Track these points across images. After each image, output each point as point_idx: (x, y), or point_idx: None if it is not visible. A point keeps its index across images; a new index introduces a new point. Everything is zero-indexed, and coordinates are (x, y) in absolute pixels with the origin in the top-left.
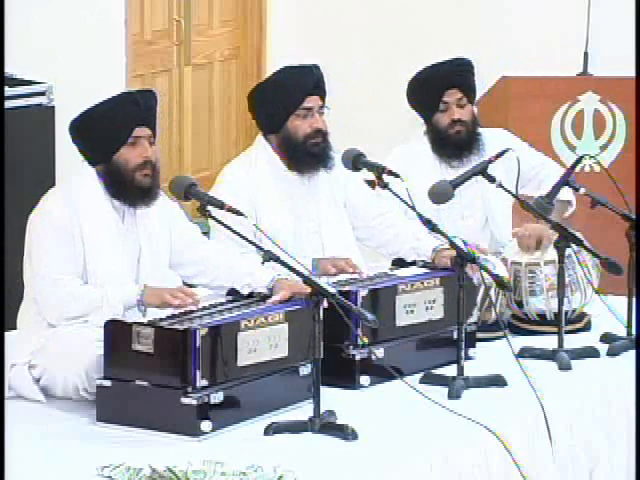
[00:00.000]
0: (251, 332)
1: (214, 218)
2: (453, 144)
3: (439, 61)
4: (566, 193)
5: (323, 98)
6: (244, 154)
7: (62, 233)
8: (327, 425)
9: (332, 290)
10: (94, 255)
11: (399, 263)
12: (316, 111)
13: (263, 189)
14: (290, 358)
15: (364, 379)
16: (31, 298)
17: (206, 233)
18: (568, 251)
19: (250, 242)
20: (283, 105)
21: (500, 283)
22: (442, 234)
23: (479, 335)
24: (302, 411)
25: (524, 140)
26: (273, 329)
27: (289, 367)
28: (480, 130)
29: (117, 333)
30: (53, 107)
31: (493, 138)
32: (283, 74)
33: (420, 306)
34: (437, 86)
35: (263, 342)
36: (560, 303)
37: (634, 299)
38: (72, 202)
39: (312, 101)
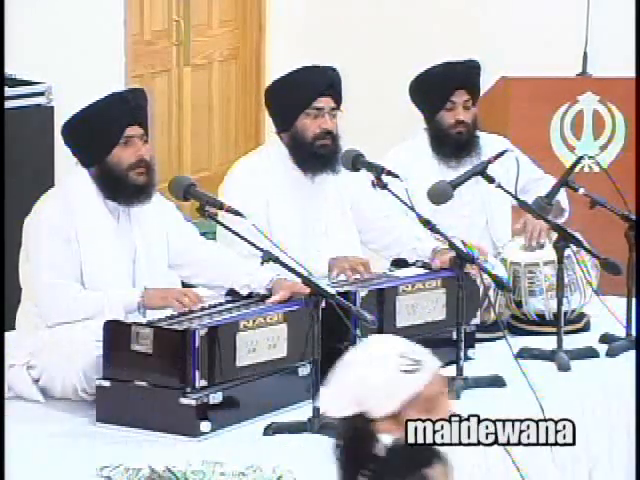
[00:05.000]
0: (250, 332)
1: (213, 218)
2: (453, 144)
3: (451, 60)
4: (564, 201)
5: (337, 101)
6: (257, 150)
7: (58, 237)
8: (326, 425)
9: (331, 290)
10: (90, 257)
11: (399, 263)
12: (327, 112)
13: (274, 187)
14: (289, 358)
15: None
16: (29, 299)
17: (204, 233)
18: (567, 251)
19: (250, 242)
20: (294, 103)
21: (499, 283)
22: (441, 234)
23: (478, 335)
24: (301, 411)
25: (524, 140)
26: (272, 329)
27: (288, 367)
28: (479, 133)
29: (116, 333)
30: (52, 107)
31: (493, 144)
32: (298, 72)
33: (421, 307)
34: (447, 85)
35: (262, 342)
36: (559, 303)
37: (633, 299)
38: (67, 205)
39: (324, 102)
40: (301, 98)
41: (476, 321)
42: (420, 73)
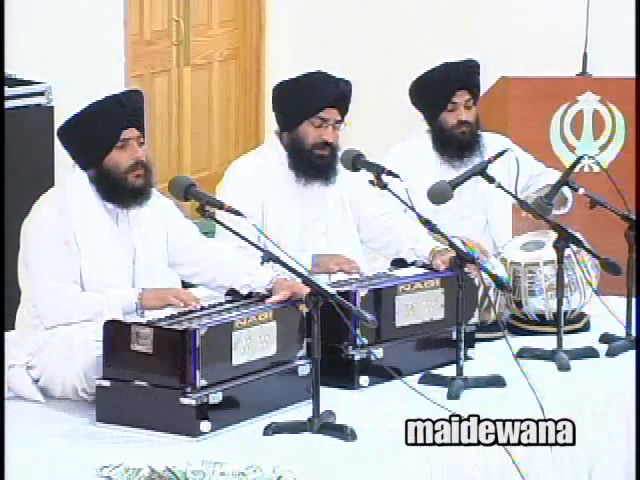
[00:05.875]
0: (244, 331)
1: (213, 218)
2: (457, 144)
3: (450, 61)
4: (567, 191)
5: (343, 113)
6: (256, 150)
7: (56, 240)
8: (326, 425)
9: (331, 290)
10: (89, 259)
11: (398, 263)
12: (331, 124)
13: (273, 187)
14: (278, 355)
15: (363, 379)
16: (28, 300)
17: (205, 233)
18: (567, 251)
19: (250, 242)
20: (301, 108)
21: (499, 283)
22: (441, 234)
23: (478, 335)
24: (301, 411)
25: (524, 140)
26: (263, 327)
27: (288, 367)
28: (481, 133)
29: (116, 333)
30: (52, 107)
31: (494, 143)
32: (312, 78)
33: (420, 307)
34: (448, 86)
35: (255, 340)
36: (559, 303)
37: (633, 299)
38: (65, 208)
39: (330, 113)
40: (309, 105)
41: (474, 320)
42: (420, 75)
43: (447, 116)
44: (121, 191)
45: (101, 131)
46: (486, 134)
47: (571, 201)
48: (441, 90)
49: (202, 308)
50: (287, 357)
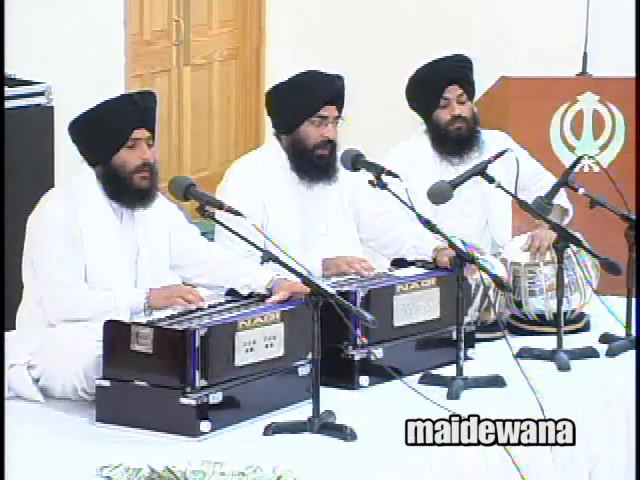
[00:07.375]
0: (248, 332)
1: (213, 218)
2: (454, 141)
3: (438, 58)
4: (565, 201)
5: (340, 110)
6: (256, 151)
7: (64, 235)
8: (326, 425)
9: (331, 290)
10: (93, 256)
11: (398, 263)
12: (330, 121)
13: (273, 188)
14: (286, 357)
15: (363, 379)
16: (30, 298)
17: (204, 233)
18: (567, 251)
19: (249, 242)
20: (300, 109)
21: (499, 283)
22: (441, 234)
23: (478, 335)
24: (301, 411)
25: (524, 140)
26: (269, 329)
27: (288, 367)
28: (480, 129)
29: (116, 333)
30: (52, 107)
31: (493, 140)
32: (306, 78)
33: (417, 306)
34: (438, 82)
35: (260, 342)
36: (559, 303)
37: (633, 299)
38: (72, 203)
39: (329, 110)
40: (307, 105)
41: (468, 319)
42: (410, 76)
43: (441, 113)
44: (126, 191)
45: (112, 129)
46: (486, 131)
47: (570, 210)
48: (431, 87)
49: (203, 308)
50: (295, 359)
